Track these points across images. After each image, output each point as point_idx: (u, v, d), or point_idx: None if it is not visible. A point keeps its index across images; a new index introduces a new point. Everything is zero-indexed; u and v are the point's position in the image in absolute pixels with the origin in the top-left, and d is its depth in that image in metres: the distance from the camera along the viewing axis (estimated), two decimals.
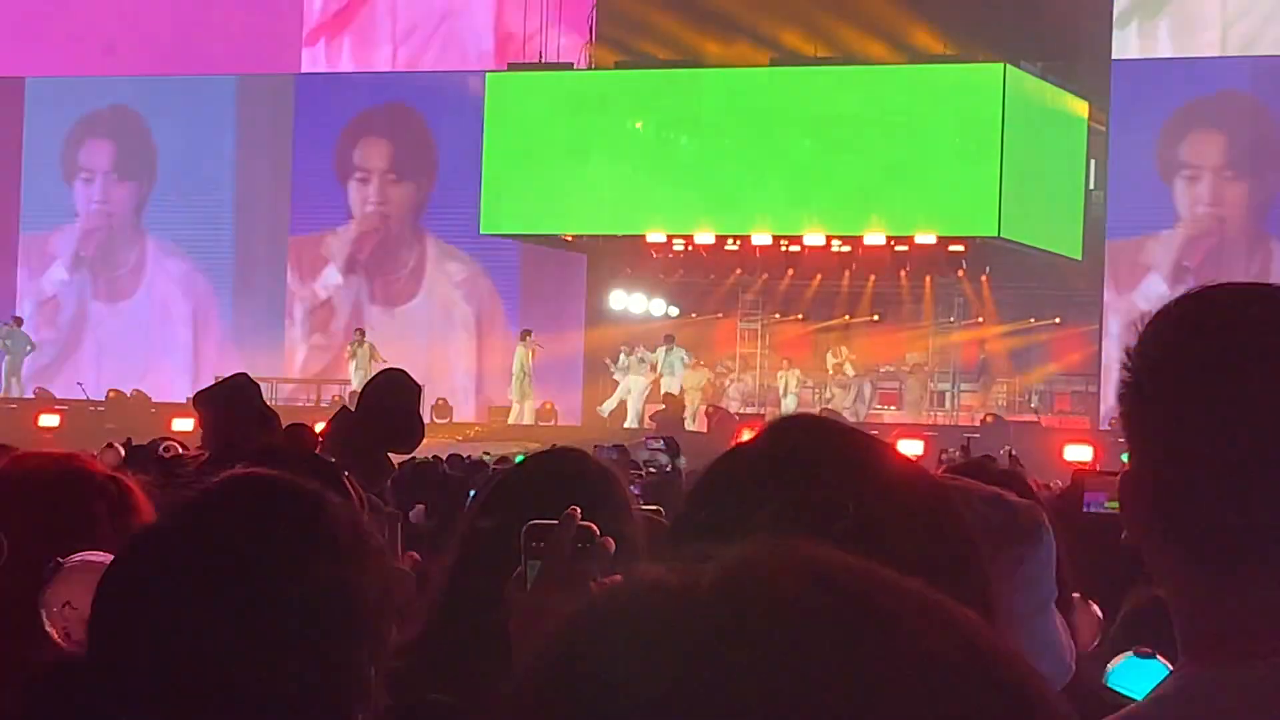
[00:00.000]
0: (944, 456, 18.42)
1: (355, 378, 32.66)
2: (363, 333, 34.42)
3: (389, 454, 6.09)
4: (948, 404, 34.28)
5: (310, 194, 36.63)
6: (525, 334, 33.59)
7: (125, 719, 2.17)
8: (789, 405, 33.49)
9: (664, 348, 33.33)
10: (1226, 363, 1.77)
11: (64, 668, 2.33)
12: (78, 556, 2.61)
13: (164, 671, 2.17)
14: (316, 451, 5.46)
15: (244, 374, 4.93)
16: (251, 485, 2.38)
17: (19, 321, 35.42)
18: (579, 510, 2.68)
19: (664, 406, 31.11)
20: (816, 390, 34.44)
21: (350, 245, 36.83)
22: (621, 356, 33.59)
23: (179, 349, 37.21)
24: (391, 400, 6.15)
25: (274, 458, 2.61)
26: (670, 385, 32.70)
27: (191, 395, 5.06)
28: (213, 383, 5.70)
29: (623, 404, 33.27)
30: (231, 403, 5.41)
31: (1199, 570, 1.76)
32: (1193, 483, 1.75)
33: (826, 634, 0.96)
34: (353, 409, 6.55)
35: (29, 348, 35.06)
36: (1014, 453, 17.73)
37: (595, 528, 2.67)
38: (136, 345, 36.87)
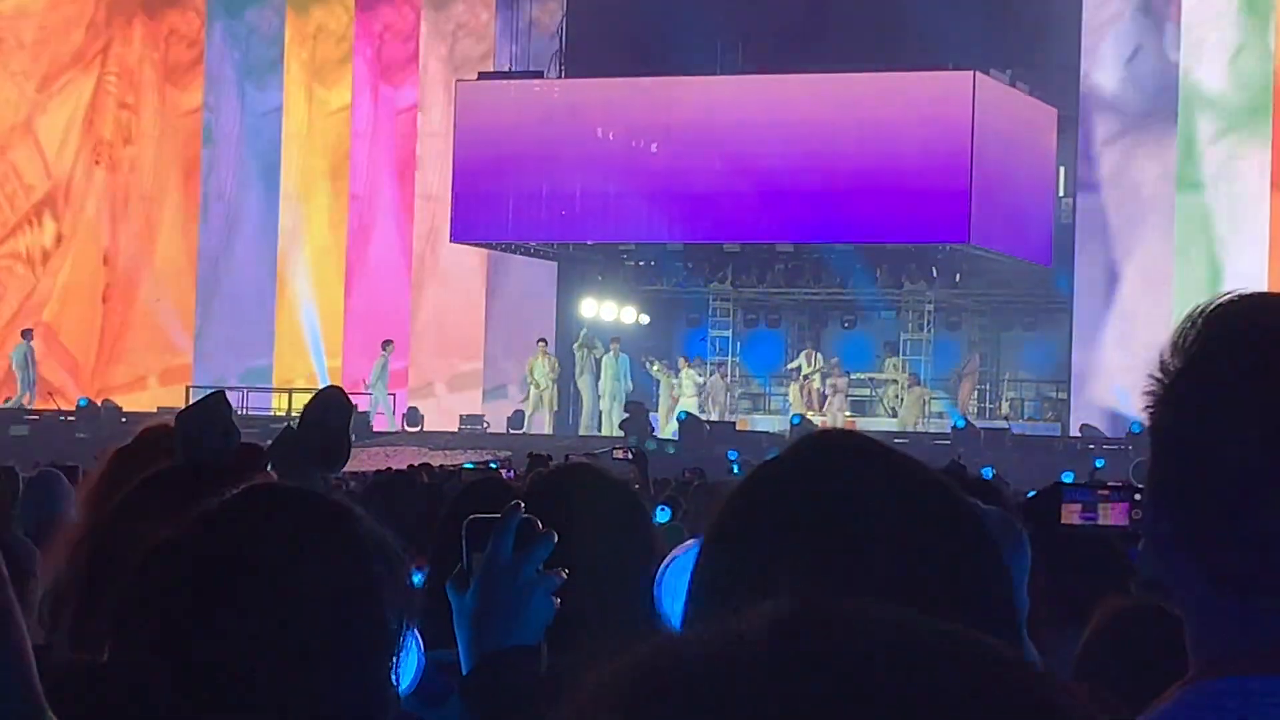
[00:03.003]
0: None
1: (379, 390, 32.79)
2: (390, 344, 34.26)
3: (324, 474, 6.08)
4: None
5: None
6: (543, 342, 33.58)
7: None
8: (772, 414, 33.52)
9: (609, 353, 33.23)
10: (1265, 371, 1.74)
11: (87, 674, 2.29)
12: None
13: (189, 683, 2.13)
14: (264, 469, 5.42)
15: (220, 391, 4.96)
16: (275, 495, 2.33)
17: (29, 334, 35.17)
18: (521, 504, 2.64)
19: (627, 415, 30.93)
20: (803, 397, 34.28)
21: None
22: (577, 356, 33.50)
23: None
24: (325, 417, 6.16)
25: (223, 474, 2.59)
26: (620, 389, 32.65)
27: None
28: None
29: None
30: (203, 420, 5.39)
31: (1215, 586, 1.73)
32: (1217, 494, 1.72)
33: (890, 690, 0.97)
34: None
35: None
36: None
37: (538, 522, 2.63)
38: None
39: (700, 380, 33.44)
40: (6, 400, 34.23)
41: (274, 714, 2.13)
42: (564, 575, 2.61)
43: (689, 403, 32.61)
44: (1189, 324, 1.79)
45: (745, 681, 0.96)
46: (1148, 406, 1.79)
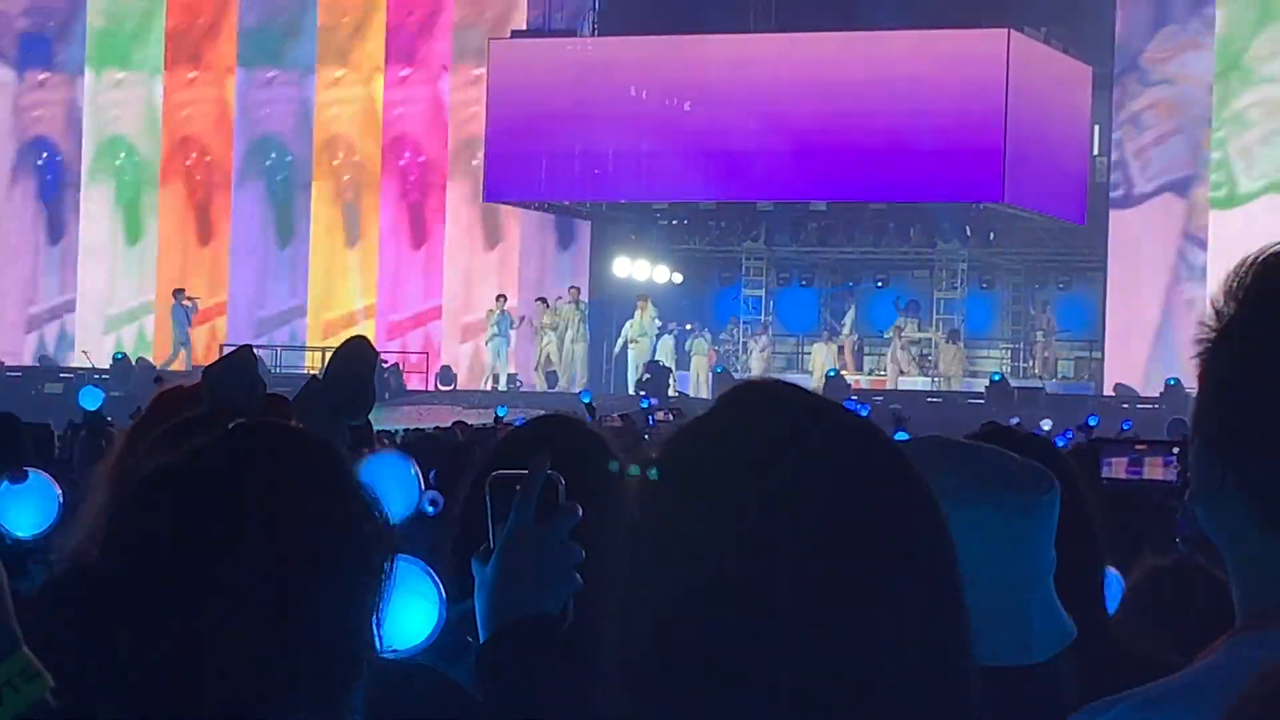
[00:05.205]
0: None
1: (497, 343, 32.80)
2: (504, 298, 34.31)
3: (349, 423, 6.07)
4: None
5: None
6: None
7: (134, 649, 2.15)
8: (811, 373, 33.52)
9: (638, 310, 33.24)
10: None
11: (81, 579, 2.31)
12: None
13: (178, 612, 2.14)
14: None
15: (247, 346, 5.02)
16: (260, 431, 2.35)
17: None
18: (546, 465, 2.57)
19: (648, 376, 30.86)
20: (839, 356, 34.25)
21: None
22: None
23: None
24: (347, 366, 6.16)
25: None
26: (645, 349, 32.68)
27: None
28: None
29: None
30: (229, 373, 5.43)
31: (1267, 532, 1.73)
32: (1271, 438, 1.73)
33: None
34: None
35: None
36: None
37: (563, 480, 2.58)
38: None
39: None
40: (163, 362, 33.63)
41: (254, 647, 2.14)
42: (583, 554, 2.56)
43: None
44: (1240, 272, 1.80)
45: None
46: (1199, 353, 1.79)
